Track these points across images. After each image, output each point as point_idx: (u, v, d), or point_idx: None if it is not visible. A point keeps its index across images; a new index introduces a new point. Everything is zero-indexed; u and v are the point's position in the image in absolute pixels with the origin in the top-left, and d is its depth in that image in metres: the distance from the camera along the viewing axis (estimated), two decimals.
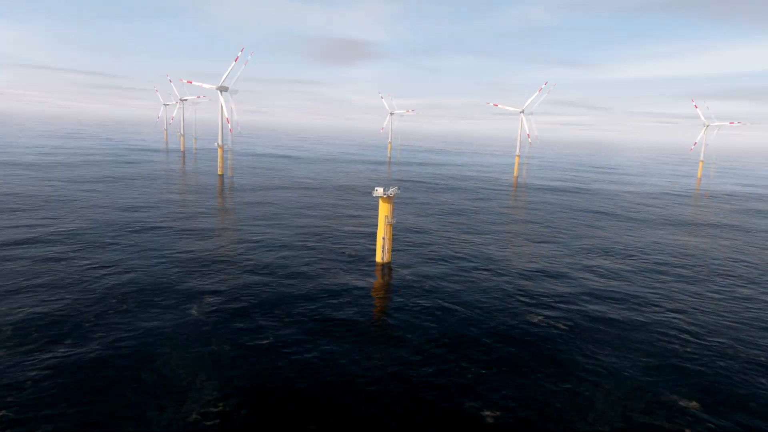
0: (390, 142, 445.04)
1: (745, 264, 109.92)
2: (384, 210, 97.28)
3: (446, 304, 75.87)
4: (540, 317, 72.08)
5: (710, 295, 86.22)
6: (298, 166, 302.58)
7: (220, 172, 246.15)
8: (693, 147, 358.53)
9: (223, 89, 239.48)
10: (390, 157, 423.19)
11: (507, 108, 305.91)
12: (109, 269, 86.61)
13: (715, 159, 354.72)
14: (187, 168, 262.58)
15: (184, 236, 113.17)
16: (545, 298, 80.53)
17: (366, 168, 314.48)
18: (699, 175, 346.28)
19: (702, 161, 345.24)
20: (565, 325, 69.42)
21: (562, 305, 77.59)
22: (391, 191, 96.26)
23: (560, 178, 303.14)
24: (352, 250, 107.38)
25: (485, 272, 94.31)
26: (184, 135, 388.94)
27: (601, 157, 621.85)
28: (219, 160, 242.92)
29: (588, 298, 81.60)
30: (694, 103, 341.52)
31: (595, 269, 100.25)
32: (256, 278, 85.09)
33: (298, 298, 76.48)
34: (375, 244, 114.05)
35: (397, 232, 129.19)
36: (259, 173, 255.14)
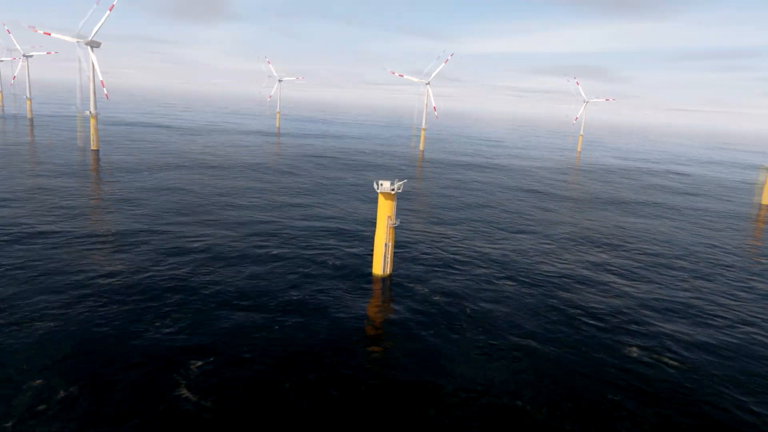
0: (279, 112, 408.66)
1: (723, 251, 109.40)
2: (386, 209, 76.70)
3: (518, 340, 59.22)
4: (635, 350, 58.94)
5: (743, 294, 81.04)
6: (184, 139, 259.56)
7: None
8: (574, 122, 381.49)
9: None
10: (279, 128, 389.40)
11: (411, 78, 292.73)
12: (2, 317, 55.14)
13: (582, 132, 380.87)
14: (25, 138, 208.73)
15: (93, 246, 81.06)
16: (609, 318, 67.90)
17: (263, 141, 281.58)
18: (579, 149, 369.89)
19: (581, 135, 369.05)
20: (674, 360, 57.00)
21: (635, 327, 65.49)
22: (398, 185, 75.95)
23: (464, 152, 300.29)
24: (332, 258, 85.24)
25: (511, 283, 79.26)
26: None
27: (480, 129, 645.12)
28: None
29: (649, 313, 70.71)
30: (576, 81, 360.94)
31: (607, 268, 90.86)
32: (243, 316, 60.21)
33: (325, 349, 54.09)
34: (350, 245, 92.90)
35: (360, 226, 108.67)
36: (141, 147, 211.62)
